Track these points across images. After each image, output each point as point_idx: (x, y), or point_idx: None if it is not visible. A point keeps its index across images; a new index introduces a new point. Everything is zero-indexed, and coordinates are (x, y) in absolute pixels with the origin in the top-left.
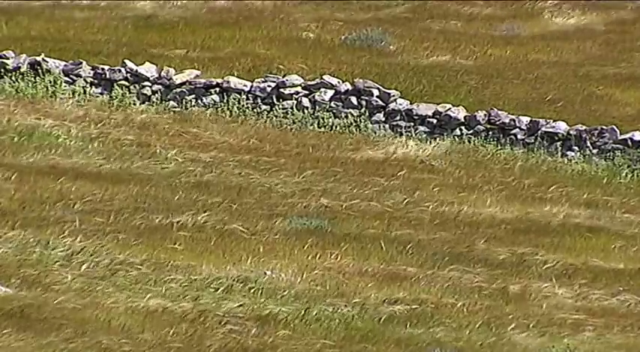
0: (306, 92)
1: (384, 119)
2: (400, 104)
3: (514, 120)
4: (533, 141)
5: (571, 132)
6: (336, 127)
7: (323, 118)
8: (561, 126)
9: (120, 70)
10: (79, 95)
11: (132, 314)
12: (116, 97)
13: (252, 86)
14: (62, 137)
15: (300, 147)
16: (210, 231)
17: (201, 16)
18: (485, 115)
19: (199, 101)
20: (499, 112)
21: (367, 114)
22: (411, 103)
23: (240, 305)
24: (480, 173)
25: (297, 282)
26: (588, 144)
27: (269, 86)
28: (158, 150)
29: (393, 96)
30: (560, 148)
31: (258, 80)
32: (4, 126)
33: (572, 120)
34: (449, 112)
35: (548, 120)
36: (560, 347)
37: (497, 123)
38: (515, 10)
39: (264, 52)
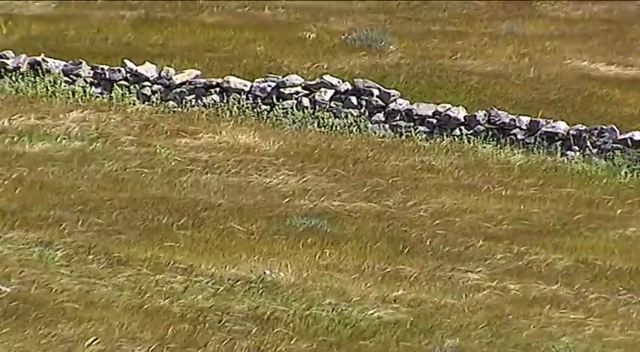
0: (306, 92)
1: (384, 119)
2: (400, 104)
3: (514, 120)
4: (533, 141)
5: (571, 132)
6: (336, 127)
7: (323, 118)
8: (561, 126)
9: (120, 70)
10: (78, 95)
11: (132, 314)
12: (116, 97)
13: (252, 86)
14: (62, 137)
15: (300, 147)
16: (210, 231)
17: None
18: (485, 115)
19: (199, 101)
20: (499, 112)
21: (367, 114)
22: (411, 103)
23: (241, 305)
24: (479, 173)
25: (297, 282)
26: (588, 144)
27: (269, 86)
28: (158, 150)
29: (393, 96)
30: (560, 148)
31: (258, 80)
32: (4, 127)
33: (572, 120)
34: (449, 112)
35: (548, 120)
36: (560, 347)
37: (497, 123)
38: (515, 10)
39: (264, 52)
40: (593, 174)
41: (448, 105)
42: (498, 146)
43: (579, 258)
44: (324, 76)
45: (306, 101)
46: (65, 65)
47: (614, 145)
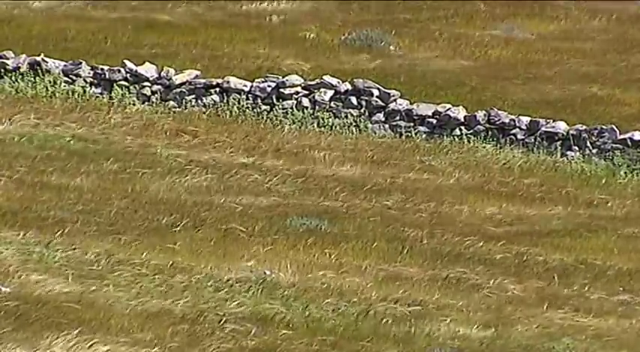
0: (306, 92)
1: (383, 119)
2: (400, 104)
3: (514, 120)
4: (533, 141)
5: (571, 132)
6: (336, 127)
7: (323, 118)
8: (561, 126)
9: (119, 70)
10: (78, 95)
11: (132, 314)
12: (116, 97)
13: (252, 86)
14: (62, 138)
15: (299, 147)
16: (210, 231)
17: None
18: (485, 115)
19: (199, 101)
20: (499, 112)
21: (367, 114)
22: (410, 103)
23: (240, 305)
24: (479, 173)
25: (297, 282)
26: (588, 144)
27: (269, 86)
28: (158, 151)
29: (393, 96)
30: (559, 148)
31: (258, 80)
32: (5, 127)
33: (572, 120)
34: (449, 112)
35: (548, 120)
36: (561, 348)
37: (497, 123)
38: (515, 10)
39: (264, 52)
40: (593, 174)
41: (448, 105)
42: (498, 146)
43: (579, 258)
44: (324, 76)
45: (306, 101)
46: (65, 65)
47: (614, 145)
